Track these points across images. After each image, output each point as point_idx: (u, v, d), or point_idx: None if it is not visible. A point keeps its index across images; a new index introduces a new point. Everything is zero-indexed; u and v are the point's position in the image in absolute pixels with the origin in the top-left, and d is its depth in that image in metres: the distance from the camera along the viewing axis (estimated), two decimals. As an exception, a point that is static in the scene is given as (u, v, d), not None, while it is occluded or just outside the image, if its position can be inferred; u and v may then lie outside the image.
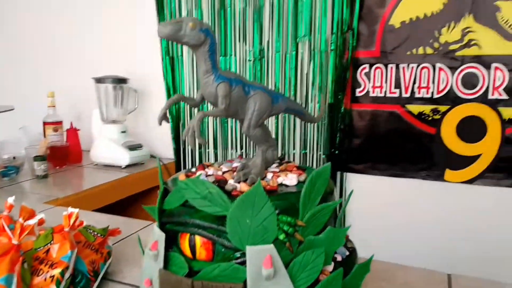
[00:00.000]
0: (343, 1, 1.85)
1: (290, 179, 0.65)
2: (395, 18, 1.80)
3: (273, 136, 2.10)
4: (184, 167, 2.33)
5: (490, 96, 1.69)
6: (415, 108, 1.82)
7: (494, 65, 1.67)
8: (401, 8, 1.78)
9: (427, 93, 1.79)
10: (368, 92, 1.89)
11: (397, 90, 1.83)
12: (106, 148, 2.13)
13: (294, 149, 2.07)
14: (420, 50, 1.77)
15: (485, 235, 1.74)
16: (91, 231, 1.03)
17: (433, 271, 0.92)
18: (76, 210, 0.95)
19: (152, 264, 0.63)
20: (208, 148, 2.27)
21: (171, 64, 2.26)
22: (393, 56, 1.82)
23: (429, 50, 1.76)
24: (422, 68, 1.78)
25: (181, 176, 0.68)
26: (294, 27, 1.97)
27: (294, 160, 2.08)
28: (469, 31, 1.69)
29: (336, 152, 1.97)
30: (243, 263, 0.56)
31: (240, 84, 0.66)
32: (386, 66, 1.84)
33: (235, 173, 0.68)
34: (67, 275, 0.88)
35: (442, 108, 1.77)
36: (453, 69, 1.73)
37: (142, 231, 1.16)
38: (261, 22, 2.04)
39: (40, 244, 0.91)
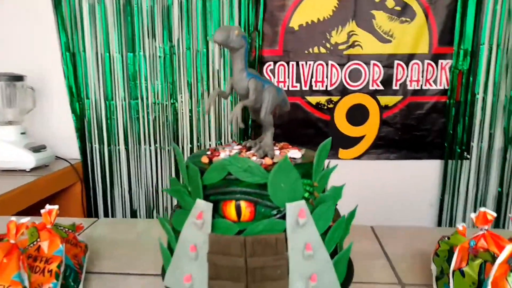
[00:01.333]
0: (248, 4, 2.05)
1: (296, 154, 0.82)
2: (294, 22, 2.08)
3: (188, 129, 2.22)
4: (92, 168, 2.27)
5: (370, 87, 2.09)
6: (313, 99, 2.13)
7: (372, 62, 2.07)
8: (298, 13, 2.07)
9: (322, 86, 2.11)
10: (274, 86, 2.14)
11: (298, 84, 2.12)
12: (6, 151, 1.97)
13: (210, 140, 2.21)
14: (315, 50, 2.08)
15: (373, 195, 2.14)
16: (62, 227, 1.04)
17: (359, 225, 1.16)
18: (55, 207, 0.97)
19: (196, 233, 0.74)
20: (118, 145, 2.26)
21: (73, 61, 2.18)
22: (294, 54, 2.10)
23: (322, 50, 2.08)
24: (318, 65, 2.09)
25: (204, 158, 0.80)
26: (204, 26, 2.11)
27: (209, 150, 2.22)
28: (353, 34, 2.06)
29: (249, 140, 2.17)
30: (281, 217, 0.72)
31: (260, 80, 0.81)
32: (288, 63, 2.11)
33: (246, 152, 0.83)
34: (62, 268, 0.91)
35: (335, 98, 2.12)
36: (341, 65, 2.08)
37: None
38: (169, 20, 2.12)
39: (29, 242, 0.92)
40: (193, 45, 2.13)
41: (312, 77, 2.11)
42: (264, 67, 2.12)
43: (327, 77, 2.10)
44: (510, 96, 2.01)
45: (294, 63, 2.10)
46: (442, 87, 2.06)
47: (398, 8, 2.01)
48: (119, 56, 2.16)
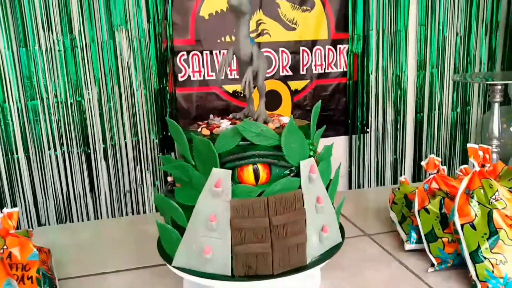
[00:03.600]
0: (156, -7, 1.99)
1: (286, 119, 0.86)
2: (204, 11, 2.09)
3: (99, 128, 2.07)
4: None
5: (281, 73, 2.22)
6: (230, 88, 2.17)
7: (281, 49, 2.19)
8: (207, 2, 2.08)
9: (238, 74, 2.17)
10: (189, 76, 2.12)
11: (214, 73, 2.14)
12: None
13: (125, 138, 2.09)
14: (227, 38, 2.13)
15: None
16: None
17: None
18: (16, 209, 0.87)
19: (215, 202, 0.73)
20: (17, 153, 2.00)
21: None
22: (206, 43, 2.11)
23: (234, 38, 2.13)
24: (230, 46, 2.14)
25: (204, 130, 0.79)
26: (108, 16, 1.98)
27: (126, 148, 2.11)
28: (261, 23, 2.15)
29: (169, 134, 2.12)
30: (295, 175, 0.76)
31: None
32: (201, 52, 2.11)
33: (241, 121, 0.85)
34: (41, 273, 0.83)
35: (250, 85, 2.19)
36: (253, 53, 2.16)
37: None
38: (68, 10, 1.94)
39: (-3, 249, 0.81)
40: (98, 37, 1.99)
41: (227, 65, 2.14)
42: (177, 57, 2.09)
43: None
44: (396, 74, 2.33)
45: (208, 52, 2.11)
46: (342, 70, 2.29)
47: (299, -3, 2.17)
48: (9, 53, 1.91)
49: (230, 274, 0.74)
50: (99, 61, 2.00)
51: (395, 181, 2.46)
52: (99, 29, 1.98)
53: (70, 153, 2.06)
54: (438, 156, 2.49)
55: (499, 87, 1.31)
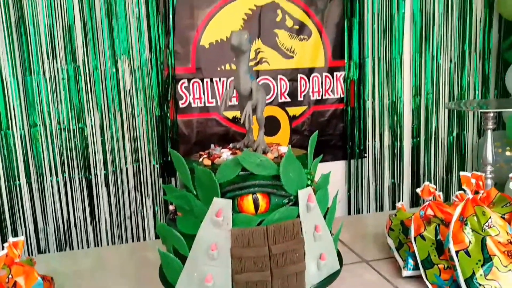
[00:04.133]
0: (157, 24, 2.06)
1: (284, 149, 0.89)
2: (204, 40, 2.15)
3: (100, 153, 2.10)
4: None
5: (279, 100, 2.27)
6: (229, 114, 2.22)
7: (279, 76, 2.25)
8: (208, 32, 2.15)
9: (237, 100, 2.21)
10: (190, 103, 2.17)
11: (214, 100, 2.19)
12: None
13: (126, 164, 2.12)
14: (227, 66, 2.18)
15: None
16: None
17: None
18: (21, 238, 0.89)
19: (216, 231, 0.75)
20: (19, 180, 2.02)
21: (-46, 87, 1.90)
22: (207, 72, 2.16)
23: (233, 66, 2.19)
24: (231, 81, 2.19)
25: (205, 160, 0.82)
26: (111, 45, 2.04)
27: (127, 174, 2.14)
28: (260, 51, 2.22)
29: (169, 159, 2.15)
30: (292, 204, 0.78)
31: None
32: (202, 80, 2.16)
33: (241, 151, 0.88)
34: (45, 303, 0.84)
35: (249, 111, 2.23)
36: (253, 80, 2.22)
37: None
38: (72, 40, 2.00)
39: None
40: (101, 65, 2.04)
41: (226, 92, 2.19)
42: (178, 85, 2.14)
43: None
44: (392, 100, 2.38)
45: (208, 80, 2.17)
46: (339, 96, 2.34)
47: (296, 27, 2.24)
48: (14, 81, 1.96)
49: (230, 302, 0.76)
50: (102, 88, 2.05)
51: (393, 206, 2.47)
52: (102, 58, 2.04)
53: (72, 179, 2.08)
54: (436, 180, 2.52)
55: (491, 114, 1.35)
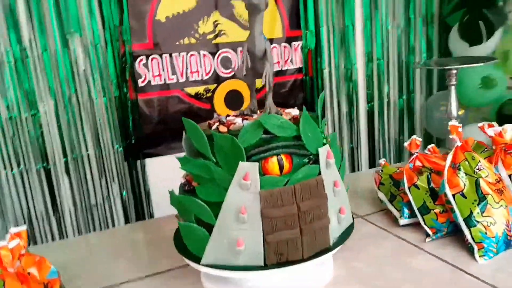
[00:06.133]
0: (109, -1, 1.94)
1: (294, 111, 0.90)
2: (160, 14, 2.06)
3: (58, 141, 1.97)
4: None
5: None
6: (192, 90, 2.17)
7: (239, 49, 2.23)
8: (163, 5, 2.06)
9: (198, 76, 2.17)
10: (149, 81, 2.08)
11: (174, 77, 2.13)
12: None
13: (87, 150, 2.01)
14: (186, 41, 2.12)
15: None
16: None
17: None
18: (23, 228, 0.83)
19: (244, 194, 0.75)
20: (-32, 175, 1.85)
21: None
22: (165, 47, 2.09)
23: (192, 40, 2.13)
24: (191, 55, 2.14)
25: (221, 127, 0.81)
26: (60, 24, 1.90)
27: (89, 160, 2.03)
28: (218, 23, 2.17)
29: (133, 141, 2.07)
30: (314, 162, 0.80)
31: None
32: (161, 56, 2.09)
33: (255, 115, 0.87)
34: (64, 290, 0.80)
35: (211, 87, 2.20)
36: (213, 54, 2.18)
37: None
38: (15, 19, 1.83)
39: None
40: (50, 45, 1.89)
41: (187, 68, 2.14)
42: (136, 62, 2.04)
43: (201, 67, 2.17)
44: (347, 68, 2.46)
45: (167, 55, 2.09)
46: (297, 66, 2.37)
47: (252, -2, 2.21)
48: (-50, 66, 1.76)
49: (262, 264, 0.77)
50: (53, 69, 1.91)
51: (353, 168, 2.59)
52: (51, 37, 1.89)
53: (28, 171, 1.94)
54: (389, 141, 2.67)
55: (454, 71, 1.45)
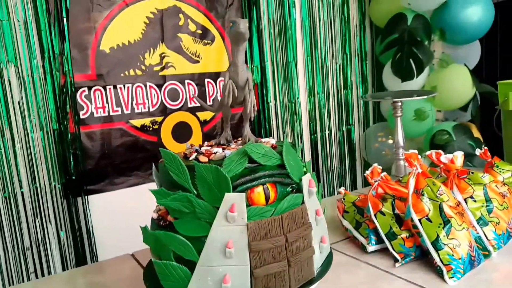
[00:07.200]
0: (49, 27, 1.84)
1: (272, 140, 0.89)
2: (105, 44, 1.99)
3: (-13, 179, 1.78)
4: None
5: (189, 105, 2.22)
6: (137, 122, 2.09)
7: (186, 81, 2.21)
8: (107, 36, 2.00)
9: (144, 108, 2.10)
10: (92, 113, 1.98)
11: (119, 108, 2.04)
12: None
13: (21, 187, 1.83)
14: (132, 72, 2.06)
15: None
16: None
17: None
18: None
19: (230, 227, 0.71)
20: None
21: None
22: (109, 78, 2.01)
23: (138, 72, 2.08)
24: (137, 87, 2.07)
25: (202, 157, 0.77)
26: (-8, 51, 1.76)
27: (24, 198, 1.85)
28: (164, 56, 2.15)
29: (73, 177, 1.93)
30: (297, 191, 0.79)
31: None
32: (104, 87, 2.00)
33: (233, 145, 0.85)
34: None
35: (158, 119, 2.14)
36: (159, 86, 2.13)
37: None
38: None
39: None
40: (-20, 74, 1.74)
41: (132, 100, 2.07)
42: (78, 94, 1.94)
43: (147, 99, 2.11)
44: (291, 102, 2.53)
45: (111, 87, 2.01)
46: (244, 99, 2.39)
47: (199, 31, 2.23)
48: None
49: (249, 300, 0.73)
50: (-17, 102, 1.74)
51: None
52: (-19, 65, 1.73)
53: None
54: (333, 170, 2.75)
55: (399, 103, 1.55)
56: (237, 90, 0.85)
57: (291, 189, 0.79)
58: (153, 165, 0.87)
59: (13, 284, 1.82)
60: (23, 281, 1.84)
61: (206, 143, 0.92)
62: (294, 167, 0.79)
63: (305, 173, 0.82)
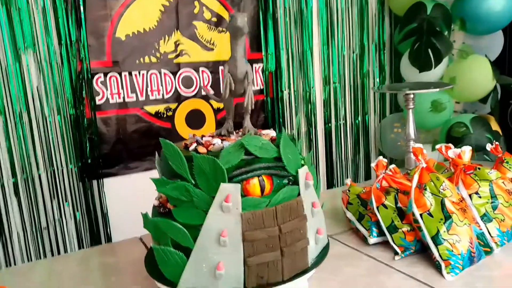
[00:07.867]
0: (66, 14, 1.88)
1: (272, 132, 0.90)
2: (120, 32, 2.02)
3: (7, 160, 1.85)
4: None
5: (203, 93, 2.24)
6: (151, 109, 2.12)
7: (201, 69, 2.22)
8: (123, 23, 2.02)
9: (159, 94, 2.13)
10: (108, 99, 2.02)
11: (134, 95, 2.08)
12: None
13: (38, 169, 1.90)
14: (146, 59, 2.09)
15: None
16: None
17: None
18: None
19: (225, 217, 0.73)
20: None
21: None
22: (124, 65, 2.04)
23: (153, 59, 2.10)
24: (151, 74, 2.10)
25: (201, 148, 0.79)
26: (12, 38, 1.81)
27: (41, 181, 1.92)
28: (179, 43, 2.16)
29: (89, 161, 1.98)
30: (293, 183, 0.80)
31: None
32: (120, 74, 2.03)
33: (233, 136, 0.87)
34: None
35: (172, 106, 2.17)
36: (174, 73, 2.16)
37: None
38: (-38, 31, 1.72)
39: None
40: (0, 60, 1.79)
41: (147, 86, 2.10)
42: (94, 80, 1.98)
43: (162, 86, 2.13)
44: (305, 91, 2.52)
45: (127, 73, 2.05)
46: (259, 87, 2.40)
47: (214, 19, 2.23)
48: None
49: (242, 287, 0.75)
50: (4, 86, 1.80)
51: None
52: (2, 52, 1.79)
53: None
54: (347, 161, 2.74)
55: (412, 95, 1.53)
56: (236, 82, 0.86)
57: (287, 181, 0.80)
58: (156, 153, 0.90)
59: (31, 261, 1.90)
60: (40, 259, 1.91)
61: (208, 133, 0.94)
62: (291, 160, 0.80)
63: (302, 165, 0.83)
